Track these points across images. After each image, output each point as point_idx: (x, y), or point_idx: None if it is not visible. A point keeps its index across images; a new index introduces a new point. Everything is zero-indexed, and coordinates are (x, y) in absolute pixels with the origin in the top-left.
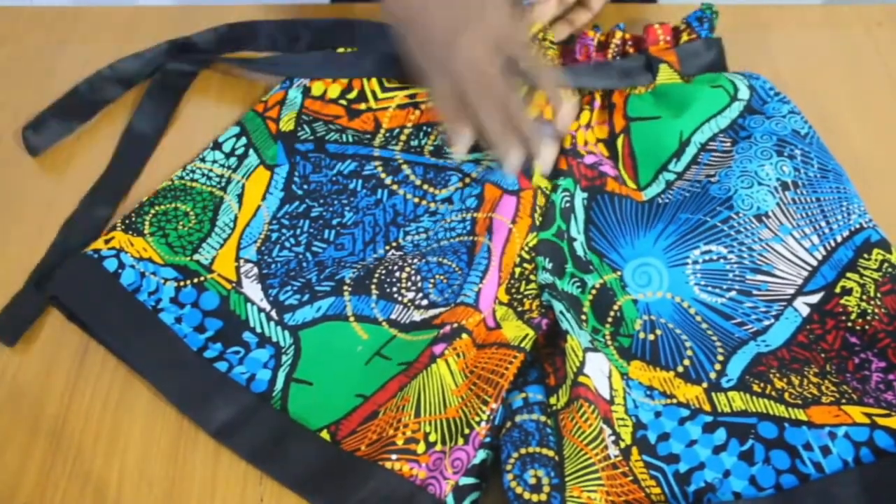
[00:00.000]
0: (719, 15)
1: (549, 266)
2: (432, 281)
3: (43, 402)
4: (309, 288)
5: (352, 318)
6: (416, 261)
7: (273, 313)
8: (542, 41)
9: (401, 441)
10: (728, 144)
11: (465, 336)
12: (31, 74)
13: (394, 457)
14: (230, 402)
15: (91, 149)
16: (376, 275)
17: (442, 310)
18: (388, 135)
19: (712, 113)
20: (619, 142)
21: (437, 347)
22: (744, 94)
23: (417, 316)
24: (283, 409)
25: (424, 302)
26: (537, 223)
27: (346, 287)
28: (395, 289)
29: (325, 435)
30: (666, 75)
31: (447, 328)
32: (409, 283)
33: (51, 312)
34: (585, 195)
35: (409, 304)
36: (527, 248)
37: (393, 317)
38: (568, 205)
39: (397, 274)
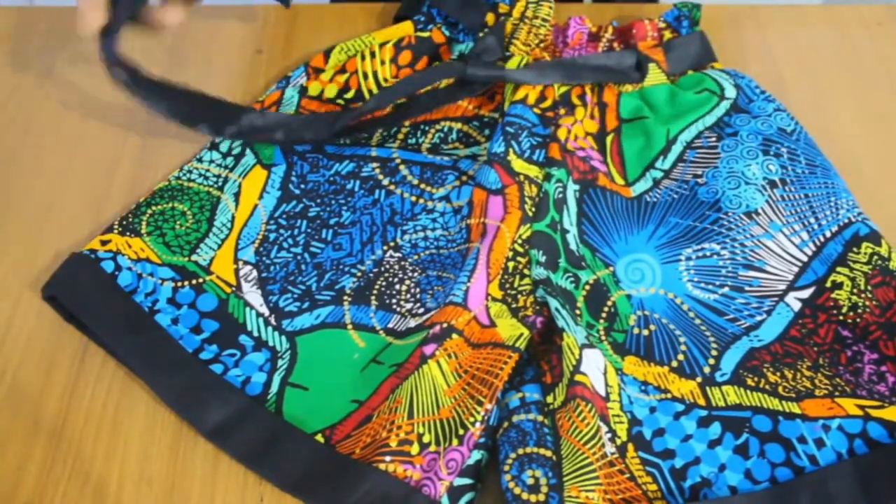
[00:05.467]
0: (702, 9)
1: (543, 259)
2: (431, 293)
3: (43, 402)
4: (309, 296)
5: (350, 327)
6: (416, 274)
7: (272, 319)
8: (534, 18)
9: (394, 443)
10: (713, 140)
11: (455, 336)
12: (32, 74)
13: (388, 458)
14: (224, 404)
15: (92, 149)
16: (376, 286)
17: (433, 312)
18: (385, 133)
19: (699, 115)
20: (609, 139)
21: (428, 348)
22: (730, 93)
23: (413, 323)
24: (277, 412)
25: (421, 310)
26: (529, 214)
27: (346, 297)
28: (394, 300)
29: (319, 439)
30: (654, 77)
31: (437, 328)
32: (409, 296)
33: (51, 312)
34: (577, 187)
35: (407, 313)
36: (520, 241)
37: (390, 326)
38: (561, 195)
39: (398, 286)
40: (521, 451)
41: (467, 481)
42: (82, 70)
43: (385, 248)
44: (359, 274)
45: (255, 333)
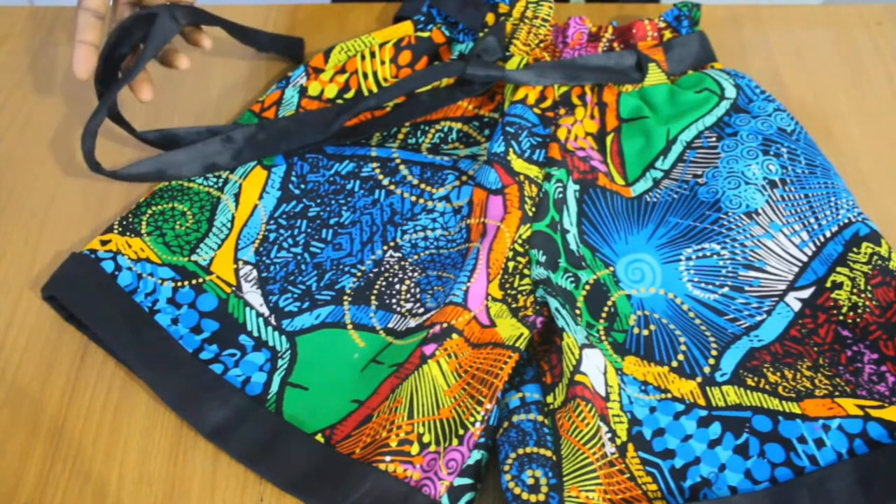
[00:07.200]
0: (702, 9)
1: (543, 259)
2: (431, 293)
3: (43, 402)
4: (309, 295)
5: (350, 327)
6: (416, 274)
7: (272, 319)
8: (534, 18)
9: (394, 442)
10: (713, 140)
11: (455, 336)
12: (32, 74)
13: (388, 458)
14: (224, 404)
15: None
16: (376, 286)
17: (433, 312)
18: (385, 133)
19: (699, 115)
20: (609, 139)
21: (428, 348)
22: (730, 93)
23: (413, 322)
24: (277, 412)
25: (421, 310)
26: (530, 214)
27: (346, 297)
28: (394, 300)
29: (319, 439)
30: (654, 76)
31: (437, 328)
32: (409, 296)
33: (51, 312)
34: (577, 187)
35: (407, 313)
36: (520, 241)
37: (390, 325)
38: (561, 195)
39: (398, 286)
40: (521, 451)
41: (467, 481)
42: None
43: (385, 247)
44: (359, 274)
45: (255, 333)
